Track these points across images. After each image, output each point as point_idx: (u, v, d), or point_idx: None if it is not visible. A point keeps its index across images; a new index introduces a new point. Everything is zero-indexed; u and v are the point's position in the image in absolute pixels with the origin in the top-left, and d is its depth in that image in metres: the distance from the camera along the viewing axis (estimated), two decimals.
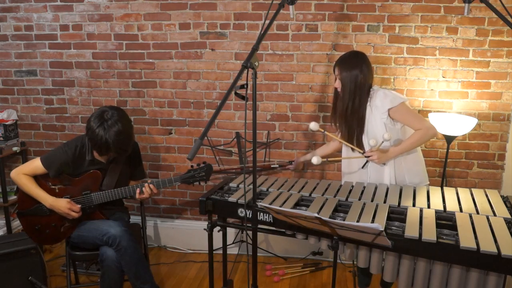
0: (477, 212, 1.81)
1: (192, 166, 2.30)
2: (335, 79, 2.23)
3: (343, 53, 2.76)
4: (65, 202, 2.21)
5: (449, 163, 2.84)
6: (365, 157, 2.17)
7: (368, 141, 2.16)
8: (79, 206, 2.24)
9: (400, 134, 2.20)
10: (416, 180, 2.24)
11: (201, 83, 3.01)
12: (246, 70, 1.58)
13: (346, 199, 2.01)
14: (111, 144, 2.15)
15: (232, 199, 2.07)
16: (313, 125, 2.21)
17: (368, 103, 2.18)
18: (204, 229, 2.17)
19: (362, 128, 2.20)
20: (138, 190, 2.27)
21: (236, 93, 1.59)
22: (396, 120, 2.17)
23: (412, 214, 1.79)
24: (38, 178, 2.27)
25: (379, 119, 2.15)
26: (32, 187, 2.23)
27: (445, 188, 2.10)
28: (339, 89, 2.22)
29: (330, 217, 1.79)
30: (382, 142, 2.09)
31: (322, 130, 2.23)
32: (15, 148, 3.17)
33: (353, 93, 2.16)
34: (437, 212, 1.81)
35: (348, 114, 2.19)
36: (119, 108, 2.26)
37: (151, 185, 2.27)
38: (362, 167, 2.28)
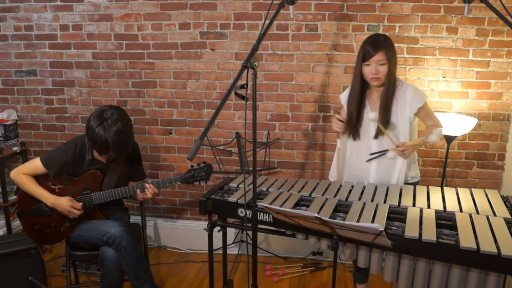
0: (477, 212, 1.81)
1: (192, 166, 2.30)
2: (355, 66, 2.08)
3: (343, 53, 2.80)
4: (67, 200, 2.21)
5: (449, 163, 2.84)
6: (401, 151, 2.04)
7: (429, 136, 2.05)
8: (80, 204, 2.24)
9: (412, 129, 2.18)
10: (413, 174, 2.23)
11: (201, 83, 3.01)
12: (246, 70, 1.58)
13: (346, 199, 2.01)
14: (111, 143, 2.15)
15: (232, 199, 2.06)
16: (373, 115, 2.03)
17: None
18: (204, 229, 2.17)
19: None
20: (138, 191, 2.27)
21: (236, 93, 1.59)
22: (418, 116, 2.13)
23: (412, 214, 1.78)
24: (38, 178, 2.27)
25: (406, 113, 2.08)
26: (32, 186, 2.23)
27: (445, 188, 2.09)
28: (379, 76, 2.02)
29: (330, 217, 1.78)
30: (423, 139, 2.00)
31: (379, 122, 2.09)
32: (15, 148, 3.17)
33: (395, 77, 2.05)
34: (437, 212, 1.81)
35: (392, 102, 2.07)
36: (119, 107, 2.26)
37: (151, 185, 2.27)
38: (368, 161, 2.17)
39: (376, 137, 2.13)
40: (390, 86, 2.06)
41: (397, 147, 2.03)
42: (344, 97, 2.26)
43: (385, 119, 2.08)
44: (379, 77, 2.03)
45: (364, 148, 2.18)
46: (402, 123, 2.10)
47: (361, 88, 2.13)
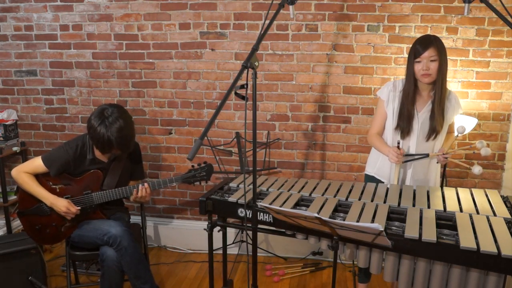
0: (477, 212, 1.81)
1: (192, 166, 2.30)
2: (407, 64, 2.11)
3: (343, 53, 2.81)
4: (65, 202, 2.21)
5: (449, 163, 2.84)
6: (445, 158, 2.12)
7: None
8: (78, 208, 2.24)
9: None
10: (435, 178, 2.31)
11: (201, 83, 3.01)
12: (246, 70, 1.58)
13: (346, 199, 2.01)
14: (114, 141, 2.15)
15: (232, 199, 2.07)
16: (477, 169, 2.11)
17: None
18: (204, 229, 2.17)
19: None
20: (135, 191, 2.27)
21: (236, 93, 1.59)
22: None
23: (412, 214, 1.79)
24: (39, 177, 2.27)
25: (448, 116, 2.16)
26: (33, 185, 2.23)
27: (445, 188, 2.10)
28: (430, 72, 2.04)
29: (330, 217, 1.78)
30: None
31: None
32: (15, 148, 3.17)
33: (446, 76, 2.08)
34: (437, 212, 1.81)
35: (445, 103, 2.11)
36: (119, 105, 2.26)
37: (144, 188, 2.28)
38: (404, 161, 2.20)
39: (428, 139, 2.17)
40: (443, 85, 2.08)
41: (444, 154, 2.11)
42: (382, 93, 2.25)
43: (440, 119, 2.12)
44: (430, 73, 2.05)
45: (406, 148, 2.21)
46: (444, 127, 2.17)
47: (414, 86, 2.14)
